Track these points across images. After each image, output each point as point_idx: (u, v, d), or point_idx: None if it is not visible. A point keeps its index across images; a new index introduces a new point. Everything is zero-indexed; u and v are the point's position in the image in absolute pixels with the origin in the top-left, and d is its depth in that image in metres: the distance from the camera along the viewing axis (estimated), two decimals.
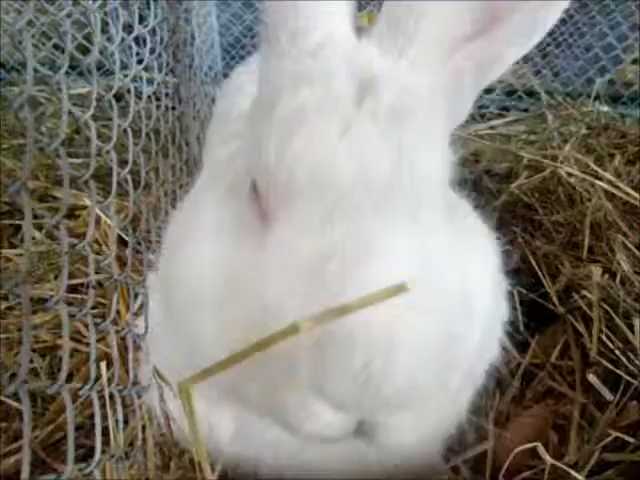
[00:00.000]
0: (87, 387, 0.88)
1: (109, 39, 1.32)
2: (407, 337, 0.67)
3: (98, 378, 0.98)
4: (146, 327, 1.13)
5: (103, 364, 1.01)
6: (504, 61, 0.86)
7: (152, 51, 1.58)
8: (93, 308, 1.09)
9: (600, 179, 1.81)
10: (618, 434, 1.10)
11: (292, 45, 0.82)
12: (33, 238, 1.81)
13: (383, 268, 0.69)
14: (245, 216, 0.82)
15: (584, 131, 2.27)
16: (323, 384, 0.68)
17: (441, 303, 0.73)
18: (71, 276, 1.62)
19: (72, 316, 0.93)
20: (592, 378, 1.24)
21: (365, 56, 0.82)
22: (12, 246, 1.84)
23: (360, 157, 0.73)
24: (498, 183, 2.08)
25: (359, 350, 0.66)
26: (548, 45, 3.06)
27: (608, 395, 1.22)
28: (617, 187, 1.77)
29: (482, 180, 2.10)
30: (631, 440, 1.10)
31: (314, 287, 0.70)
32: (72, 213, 1.94)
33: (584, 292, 1.47)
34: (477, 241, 0.97)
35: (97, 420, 0.93)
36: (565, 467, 1.00)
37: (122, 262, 1.33)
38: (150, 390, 1.08)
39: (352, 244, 0.71)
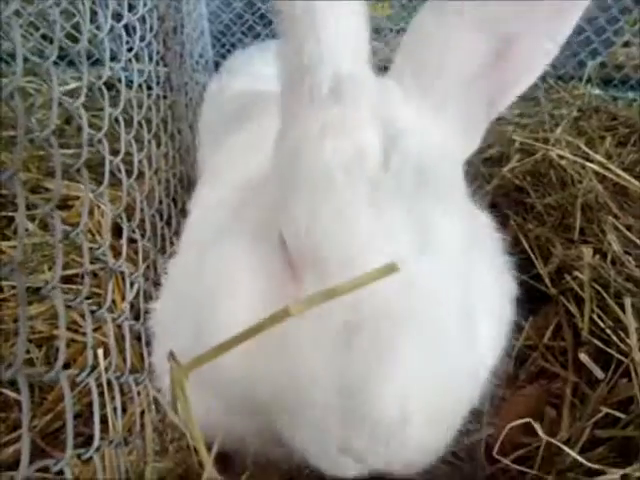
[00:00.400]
0: (85, 374, 0.89)
1: (98, 28, 1.31)
2: (420, 412, 0.70)
3: (95, 367, 0.99)
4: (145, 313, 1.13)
5: (100, 351, 1.02)
6: (511, 94, 0.87)
7: (142, 39, 1.58)
8: (88, 298, 1.10)
9: (591, 161, 1.81)
10: (609, 411, 1.12)
11: (315, 89, 0.81)
12: (26, 230, 1.80)
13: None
14: (274, 264, 0.82)
15: (575, 114, 2.27)
16: (349, 446, 0.72)
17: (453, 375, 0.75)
18: (65, 267, 1.62)
19: (68, 307, 0.94)
20: (584, 357, 1.26)
21: (388, 102, 0.81)
22: (5, 238, 1.83)
23: (385, 223, 0.74)
24: (491, 167, 2.09)
25: (379, 424, 0.69)
26: None
27: (599, 373, 1.24)
28: (608, 169, 1.78)
29: (475, 164, 2.11)
30: (622, 416, 1.12)
31: (342, 362, 0.71)
32: (65, 204, 1.94)
33: (576, 273, 1.48)
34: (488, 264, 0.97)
35: (95, 407, 0.94)
36: (558, 443, 1.02)
37: (116, 252, 1.33)
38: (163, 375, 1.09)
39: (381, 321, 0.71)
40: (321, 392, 0.72)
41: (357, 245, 0.73)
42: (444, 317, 0.75)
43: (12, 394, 1.29)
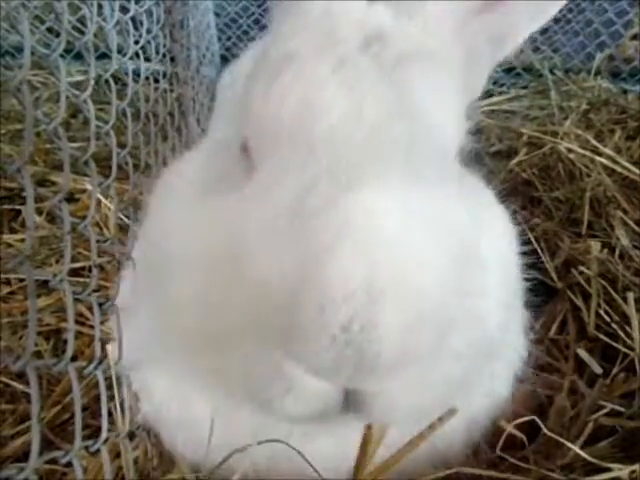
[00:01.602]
0: (93, 365, 0.89)
1: (104, 20, 1.31)
2: (392, 290, 0.58)
3: (103, 359, 0.99)
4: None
5: (108, 344, 1.02)
6: (518, 34, 0.87)
7: (148, 32, 1.57)
8: (95, 291, 1.10)
9: (600, 155, 1.80)
10: (612, 405, 1.11)
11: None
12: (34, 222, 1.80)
13: (364, 204, 0.63)
14: (232, 171, 0.80)
15: (585, 107, 2.25)
16: (298, 348, 0.60)
17: (434, 254, 0.64)
18: (72, 260, 1.62)
19: (76, 299, 0.94)
20: (582, 352, 1.26)
21: (375, 15, 0.80)
22: (12, 231, 1.84)
23: (354, 93, 0.69)
24: (499, 160, 2.07)
25: (336, 306, 0.57)
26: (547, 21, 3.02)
27: (597, 369, 1.24)
28: (617, 162, 1.76)
29: (483, 157, 2.09)
30: (622, 410, 1.11)
31: (293, 226, 0.64)
32: (72, 197, 1.94)
33: (582, 267, 1.47)
34: (489, 213, 0.95)
35: (103, 399, 0.94)
36: (560, 439, 1.02)
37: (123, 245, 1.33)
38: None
39: (333, 182, 0.64)
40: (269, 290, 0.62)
41: (316, 104, 0.68)
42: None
43: (19, 386, 1.29)
